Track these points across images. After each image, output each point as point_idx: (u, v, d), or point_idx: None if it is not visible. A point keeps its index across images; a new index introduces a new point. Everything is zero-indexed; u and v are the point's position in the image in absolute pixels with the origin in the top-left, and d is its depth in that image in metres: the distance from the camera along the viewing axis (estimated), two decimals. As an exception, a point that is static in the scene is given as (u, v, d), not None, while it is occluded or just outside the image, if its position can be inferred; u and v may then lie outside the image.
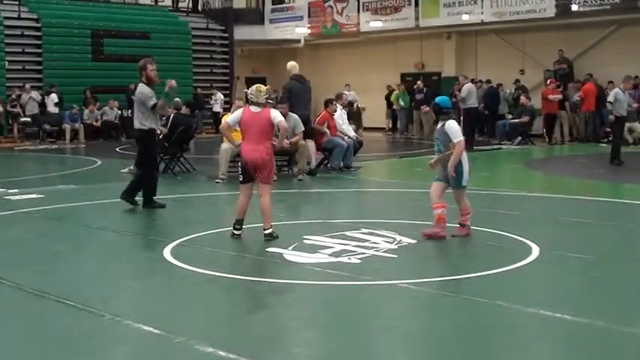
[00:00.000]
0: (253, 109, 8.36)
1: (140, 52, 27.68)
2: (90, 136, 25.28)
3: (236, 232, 8.43)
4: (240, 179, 8.49)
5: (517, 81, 25.12)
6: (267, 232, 8.28)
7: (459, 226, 8.44)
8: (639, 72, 22.78)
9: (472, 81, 23.16)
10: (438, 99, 8.70)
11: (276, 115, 8.39)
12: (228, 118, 8.97)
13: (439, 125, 8.46)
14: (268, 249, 7.86)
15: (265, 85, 8.61)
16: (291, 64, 15.08)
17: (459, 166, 8.27)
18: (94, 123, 25.46)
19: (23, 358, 4.95)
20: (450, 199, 8.48)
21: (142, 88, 10.55)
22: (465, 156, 8.37)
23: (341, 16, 29.92)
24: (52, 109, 24.84)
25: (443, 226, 8.23)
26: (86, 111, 25.56)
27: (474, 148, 21.65)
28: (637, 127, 21.35)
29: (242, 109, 8.61)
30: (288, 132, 14.19)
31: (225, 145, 14.08)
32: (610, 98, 16.46)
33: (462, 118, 22.89)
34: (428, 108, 24.26)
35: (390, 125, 28.82)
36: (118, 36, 27.64)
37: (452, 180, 8.31)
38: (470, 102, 21.19)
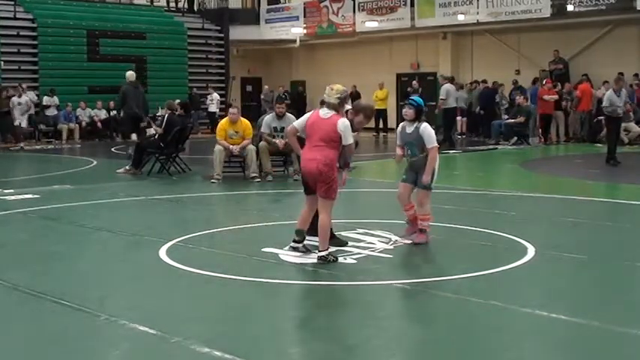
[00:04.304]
0: (322, 113, 7.43)
1: (136, 52, 27.86)
2: (85, 136, 25.34)
3: (293, 244, 7.59)
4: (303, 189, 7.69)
5: (515, 82, 25.13)
6: (320, 254, 7.30)
7: (418, 232, 8.09)
8: (634, 72, 22.83)
9: (452, 81, 23.54)
10: (417, 100, 8.16)
11: (342, 126, 7.27)
12: (295, 122, 7.91)
13: (411, 128, 8.01)
14: (264, 249, 7.85)
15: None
16: (129, 74, 18.27)
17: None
18: (86, 120, 25.58)
19: (19, 358, 4.95)
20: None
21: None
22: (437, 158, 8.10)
23: (337, 16, 29.93)
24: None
25: (416, 225, 8.15)
26: (79, 110, 25.63)
27: (470, 148, 21.79)
28: (632, 127, 21.38)
29: (311, 112, 7.70)
30: (284, 132, 14.31)
31: (219, 146, 14.10)
32: (605, 103, 16.48)
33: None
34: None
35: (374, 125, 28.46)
36: (114, 36, 27.64)
37: (422, 180, 8.00)
38: (448, 102, 21.65)
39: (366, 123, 8.14)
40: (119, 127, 25.86)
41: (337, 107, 7.41)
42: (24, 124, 23.47)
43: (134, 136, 18.28)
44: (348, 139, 7.35)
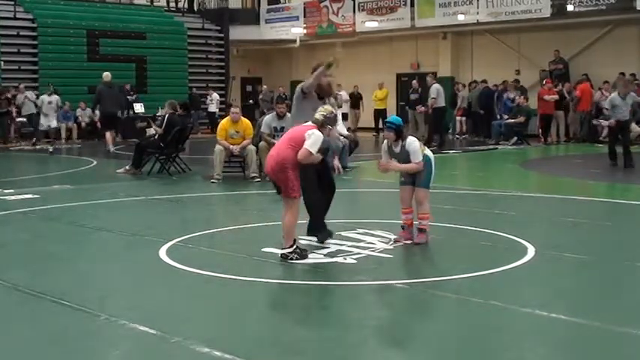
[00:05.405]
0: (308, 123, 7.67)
1: (136, 52, 27.90)
2: (85, 136, 25.35)
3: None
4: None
5: (515, 81, 25.14)
6: (282, 251, 7.41)
7: (418, 231, 8.10)
8: (633, 72, 22.83)
9: (442, 82, 23.79)
10: (395, 120, 8.14)
11: (311, 132, 7.39)
12: None
13: (399, 147, 8.02)
14: (264, 249, 7.85)
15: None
16: (105, 74, 20.53)
17: (428, 166, 8.04)
18: (85, 121, 25.59)
19: (19, 358, 4.95)
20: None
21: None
22: (432, 158, 8.15)
23: (337, 16, 29.93)
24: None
25: (409, 232, 8.17)
26: (79, 110, 25.64)
27: (470, 148, 21.81)
28: (634, 128, 21.32)
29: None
30: (285, 132, 14.28)
31: (219, 146, 14.10)
32: (607, 105, 16.40)
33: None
34: (424, 108, 24.37)
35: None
36: (114, 36, 27.68)
37: (420, 179, 8.03)
38: (438, 102, 21.87)
39: (330, 82, 8.64)
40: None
41: (319, 123, 7.53)
42: (54, 123, 23.23)
43: (111, 133, 20.49)
44: (308, 143, 7.33)
